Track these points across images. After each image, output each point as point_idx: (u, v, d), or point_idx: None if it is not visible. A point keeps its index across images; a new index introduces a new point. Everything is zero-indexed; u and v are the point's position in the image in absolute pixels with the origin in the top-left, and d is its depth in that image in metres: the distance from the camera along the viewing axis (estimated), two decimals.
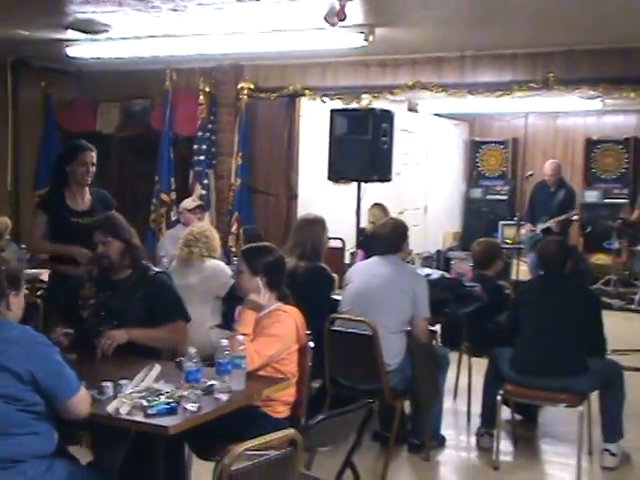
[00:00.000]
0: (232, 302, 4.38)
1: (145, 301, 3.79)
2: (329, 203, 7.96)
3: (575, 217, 9.17)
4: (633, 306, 9.31)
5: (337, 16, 5.12)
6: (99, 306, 3.81)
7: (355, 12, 5.38)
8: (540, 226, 8.54)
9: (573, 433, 4.51)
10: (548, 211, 8.63)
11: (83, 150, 4.87)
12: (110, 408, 2.80)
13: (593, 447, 4.70)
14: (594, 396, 4.60)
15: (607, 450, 4.54)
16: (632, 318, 8.61)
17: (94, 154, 4.88)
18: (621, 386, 4.61)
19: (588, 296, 4.77)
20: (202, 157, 8.07)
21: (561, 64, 6.64)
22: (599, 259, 10.46)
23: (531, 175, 9.26)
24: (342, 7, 5.04)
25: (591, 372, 4.45)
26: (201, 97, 8.01)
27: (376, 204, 7.43)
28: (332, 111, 6.91)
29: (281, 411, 3.55)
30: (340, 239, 7.11)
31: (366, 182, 6.87)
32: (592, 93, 7.13)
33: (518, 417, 5.25)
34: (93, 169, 4.86)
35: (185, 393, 2.89)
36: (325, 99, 7.69)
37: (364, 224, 7.26)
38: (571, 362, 4.42)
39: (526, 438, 5.12)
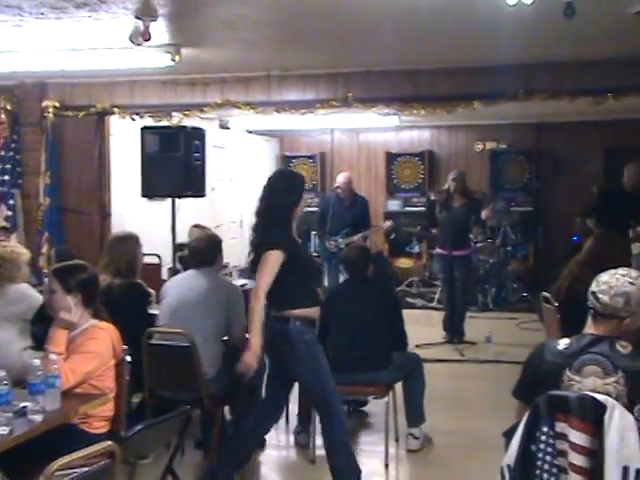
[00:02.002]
0: (43, 323, 4.35)
1: None
2: (144, 220, 8.00)
3: (373, 231, 9.33)
4: (433, 304, 10.04)
5: (142, 36, 5.13)
6: None
7: (160, 32, 5.47)
8: (342, 241, 8.54)
9: (382, 422, 4.91)
10: (345, 224, 8.60)
11: None
12: None
13: (399, 433, 5.13)
14: (398, 386, 5.03)
15: (411, 434, 4.98)
16: (432, 315, 9.29)
17: None
18: (422, 376, 5.06)
19: (388, 296, 5.19)
20: (6, 177, 7.82)
21: (359, 84, 7.04)
22: (403, 263, 11.18)
23: (337, 187, 9.72)
24: (146, 28, 5.05)
25: (395, 365, 4.87)
26: (2, 116, 7.79)
27: (196, 225, 7.55)
28: (143, 129, 6.97)
29: (100, 427, 3.58)
30: (157, 255, 7.18)
31: (180, 198, 7.00)
32: (388, 110, 7.63)
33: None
34: None
35: None
36: (135, 117, 7.69)
37: (180, 240, 7.36)
38: (377, 357, 4.82)
39: None
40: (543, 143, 11.46)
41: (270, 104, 7.38)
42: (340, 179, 8.87)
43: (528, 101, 6.73)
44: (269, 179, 4.30)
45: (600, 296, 2.98)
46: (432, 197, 8.51)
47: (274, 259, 3.99)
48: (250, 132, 11.53)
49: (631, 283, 2.98)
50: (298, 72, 7.23)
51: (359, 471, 4.20)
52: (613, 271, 3.05)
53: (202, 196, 7.09)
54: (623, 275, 3.01)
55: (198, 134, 6.93)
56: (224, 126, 10.48)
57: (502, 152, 11.59)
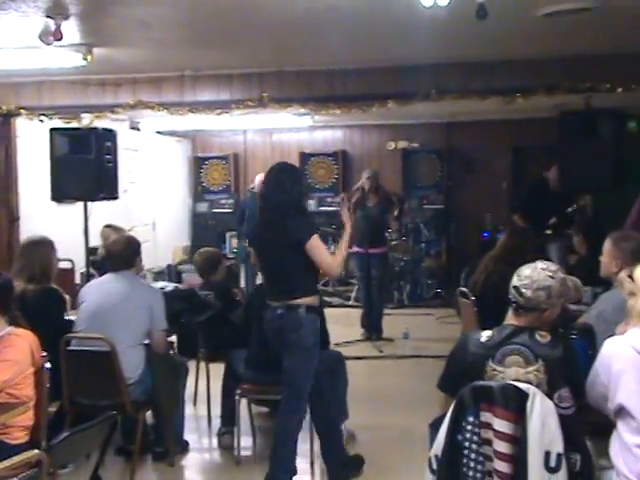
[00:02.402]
0: None
1: None
2: (55, 224, 7.80)
3: None
4: (350, 302, 10.14)
5: (53, 36, 5.03)
6: None
7: (72, 31, 5.36)
8: None
9: (305, 420, 4.91)
10: None
11: None
12: None
13: None
14: None
15: None
16: (350, 313, 9.38)
17: None
18: (343, 374, 5.10)
19: None
20: None
21: (273, 84, 7.04)
22: None
23: (253, 189, 9.69)
24: (58, 27, 4.97)
25: None
26: None
27: (107, 225, 7.42)
28: (52, 130, 6.81)
29: (19, 437, 3.49)
30: (70, 260, 7.02)
31: (92, 201, 6.86)
32: (303, 110, 7.66)
33: (264, 409, 5.63)
34: None
35: None
36: (43, 119, 7.51)
37: (93, 244, 7.22)
38: None
39: (266, 430, 5.46)
40: (454, 142, 11.71)
41: (183, 105, 7.31)
42: (258, 180, 8.84)
43: (441, 101, 6.86)
44: (271, 176, 4.43)
45: (523, 290, 3.08)
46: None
47: (319, 241, 4.25)
48: (160, 133, 11.38)
49: (551, 277, 3.10)
50: (212, 72, 7.19)
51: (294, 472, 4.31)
52: (533, 265, 3.16)
53: (115, 199, 6.98)
54: (543, 269, 3.12)
55: (109, 135, 6.82)
56: (135, 127, 10.32)
57: (414, 151, 11.78)
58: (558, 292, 3.11)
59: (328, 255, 4.30)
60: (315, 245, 4.22)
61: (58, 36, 4.98)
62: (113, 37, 5.75)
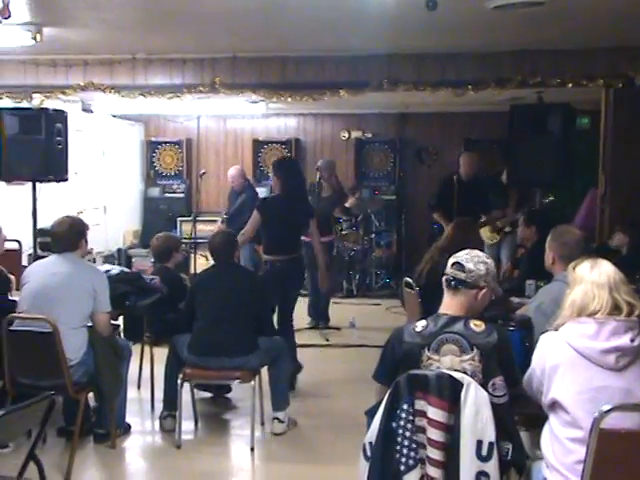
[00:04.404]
0: None
1: None
2: (3, 204, 7.71)
3: None
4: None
5: (1, 14, 4.97)
6: None
7: (21, 10, 5.29)
8: None
9: (248, 406, 4.97)
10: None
11: None
12: None
13: (265, 417, 5.21)
14: (264, 371, 5.10)
15: (276, 418, 5.06)
16: (299, 301, 9.36)
17: None
18: (286, 361, 5.15)
19: (253, 281, 5.23)
20: None
21: (226, 69, 7.01)
22: None
23: (204, 174, 9.66)
24: (6, 5, 4.88)
25: (260, 350, 4.93)
26: None
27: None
28: (1, 110, 6.71)
29: None
30: (17, 241, 6.94)
31: (41, 182, 6.79)
32: (255, 97, 7.65)
33: (207, 395, 5.64)
34: None
35: None
36: None
37: (41, 225, 7.14)
38: (242, 342, 4.86)
39: (209, 415, 5.52)
40: (406, 133, 11.79)
41: (135, 88, 7.24)
42: (231, 172, 9.44)
43: (393, 91, 6.92)
44: (281, 168, 6.20)
45: (465, 264, 3.17)
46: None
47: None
48: (115, 116, 11.27)
49: (487, 258, 3.22)
50: (164, 56, 7.12)
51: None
52: (466, 250, 3.26)
53: (64, 181, 6.91)
54: (478, 253, 3.23)
55: (60, 117, 6.73)
56: (87, 109, 10.19)
57: (367, 141, 11.83)
58: (493, 272, 3.23)
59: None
60: (313, 221, 6.18)
61: (6, 14, 4.89)
62: (63, 17, 5.67)
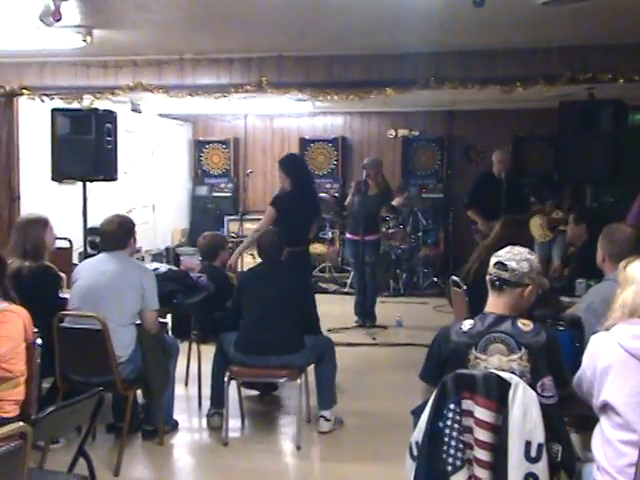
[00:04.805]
0: None
1: None
2: (55, 203, 7.85)
3: None
4: (346, 289, 10.17)
5: (52, 16, 5.04)
6: None
7: (72, 12, 5.36)
8: None
9: (294, 404, 4.98)
10: None
11: None
12: None
13: (311, 416, 5.22)
14: (311, 369, 5.10)
15: (322, 416, 5.06)
16: (345, 300, 9.41)
17: None
18: (333, 359, 5.14)
19: (299, 280, 5.23)
20: None
21: (273, 69, 7.02)
22: (316, 248, 11.26)
23: (251, 172, 9.72)
24: (57, 7, 4.96)
25: (307, 348, 4.94)
26: None
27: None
28: (53, 110, 6.84)
29: (10, 410, 3.54)
30: (68, 239, 7.06)
31: (91, 182, 6.90)
32: (302, 96, 7.66)
33: (254, 393, 5.68)
34: None
35: None
36: (45, 99, 7.53)
37: (92, 224, 7.25)
38: (289, 340, 4.87)
39: (255, 413, 5.54)
40: (454, 130, 11.71)
41: (183, 88, 7.30)
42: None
43: (439, 89, 6.86)
44: (288, 165, 6.72)
45: (507, 263, 3.12)
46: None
47: None
48: (162, 116, 11.40)
49: (529, 254, 3.18)
50: (212, 56, 7.16)
51: None
52: (507, 248, 3.21)
53: (114, 180, 7.02)
54: (519, 250, 3.18)
55: (110, 117, 6.85)
56: (136, 110, 10.33)
57: (414, 139, 11.78)
58: (537, 267, 3.17)
59: None
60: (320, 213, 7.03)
61: (57, 17, 4.98)
62: (113, 18, 5.74)
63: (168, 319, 5.73)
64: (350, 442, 5.02)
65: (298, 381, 4.86)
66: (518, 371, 2.94)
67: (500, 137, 11.23)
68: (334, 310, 8.58)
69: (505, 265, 3.12)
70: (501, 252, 3.20)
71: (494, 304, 3.15)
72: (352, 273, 9.43)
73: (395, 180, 11.10)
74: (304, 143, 11.92)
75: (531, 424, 2.80)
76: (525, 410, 2.81)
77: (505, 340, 3.00)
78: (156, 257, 10.24)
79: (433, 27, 5.71)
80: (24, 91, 7.50)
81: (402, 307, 9.26)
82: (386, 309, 8.78)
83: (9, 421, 3.30)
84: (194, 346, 5.79)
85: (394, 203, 9.49)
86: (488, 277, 3.18)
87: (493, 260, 3.19)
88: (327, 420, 5.06)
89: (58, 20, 5.04)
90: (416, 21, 5.41)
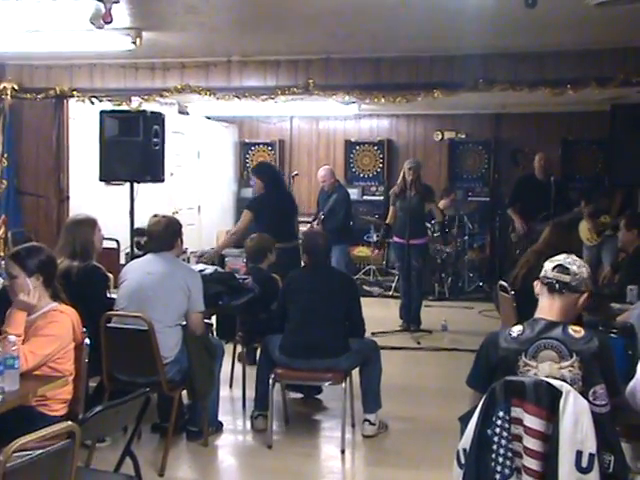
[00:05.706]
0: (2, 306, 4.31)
1: None
2: (102, 204, 7.93)
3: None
4: (390, 292, 10.11)
5: (103, 19, 5.09)
6: None
7: (122, 15, 5.42)
8: None
9: (339, 408, 4.95)
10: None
11: None
12: None
13: (355, 419, 5.18)
14: (355, 373, 5.07)
15: (367, 420, 5.02)
16: (390, 303, 9.36)
17: None
18: (378, 363, 5.10)
19: (345, 283, 5.20)
20: None
21: (319, 71, 7.04)
22: (360, 251, 11.23)
23: (296, 175, 9.72)
24: (108, 10, 5.01)
25: (352, 352, 4.90)
26: None
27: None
28: (102, 112, 6.91)
29: (58, 409, 3.60)
30: (115, 240, 7.13)
31: (139, 183, 6.95)
32: (348, 98, 7.64)
33: (298, 396, 5.67)
34: None
35: None
36: (94, 100, 7.62)
37: (138, 225, 7.31)
38: (334, 343, 4.84)
39: (299, 416, 5.52)
40: (501, 133, 11.57)
41: (230, 90, 7.35)
42: (321, 173, 9.23)
43: (488, 91, 6.79)
44: (264, 170, 7.36)
45: (569, 266, 3.05)
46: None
47: None
48: (209, 118, 11.47)
49: (584, 263, 3.11)
50: (258, 58, 7.21)
51: None
52: (564, 254, 3.15)
53: (161, 181, 7.06)
54: (575, 257, 3.12)
55: (157, 119, 6.88)
56: (183, 111, 10.41)
57: (461, 142, 11.68)
58: (591, 275, 3.11)
59: None
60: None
61: (108, 19, 5.04)
62: (161, 21, 5.80)
63: (213, 320, 5.74)
64: (394, 447, 4.98)
65: (343, 384, 4.83)
66: (569, 379, 2.87)
67: (548, 140, 11.08)
68: (378, 313, 8.53)
69: (567, 268, 3.05)
70: (559, 257, 3.12)
71: (547, 309, 3.07)
72: (397, 276, 9.39)
73: (441, 183, 11.03)
74: (349, 145, 11.90)
75: (582, 433, 2.73)
76: (576, 419, 2.74)
77: (556, 347, 2.93)
78: (201, 259, 10.26)
79: (484, 28, 5.65)
80: (74, 93, 7.62)
81: (447, 311, 9.18)
82: (431, 313, 8.72)
83: (57, 420, 3.35)
84: (239, 347, 5.79)
85: (440, 206, 9.41)
86: (546, 281, 3.09)
87: (551, 264, 3.11)
88: (372, 424, 5.02)
89: (109, 22, 5.10)
90: (466, 22, 5.35)
